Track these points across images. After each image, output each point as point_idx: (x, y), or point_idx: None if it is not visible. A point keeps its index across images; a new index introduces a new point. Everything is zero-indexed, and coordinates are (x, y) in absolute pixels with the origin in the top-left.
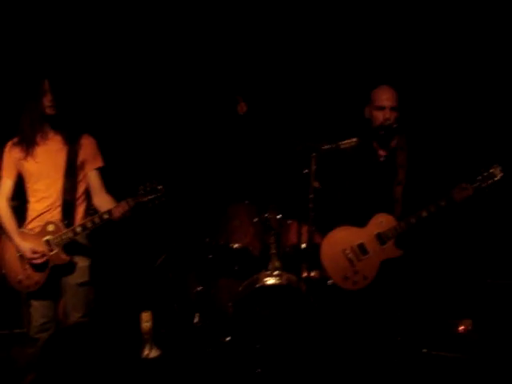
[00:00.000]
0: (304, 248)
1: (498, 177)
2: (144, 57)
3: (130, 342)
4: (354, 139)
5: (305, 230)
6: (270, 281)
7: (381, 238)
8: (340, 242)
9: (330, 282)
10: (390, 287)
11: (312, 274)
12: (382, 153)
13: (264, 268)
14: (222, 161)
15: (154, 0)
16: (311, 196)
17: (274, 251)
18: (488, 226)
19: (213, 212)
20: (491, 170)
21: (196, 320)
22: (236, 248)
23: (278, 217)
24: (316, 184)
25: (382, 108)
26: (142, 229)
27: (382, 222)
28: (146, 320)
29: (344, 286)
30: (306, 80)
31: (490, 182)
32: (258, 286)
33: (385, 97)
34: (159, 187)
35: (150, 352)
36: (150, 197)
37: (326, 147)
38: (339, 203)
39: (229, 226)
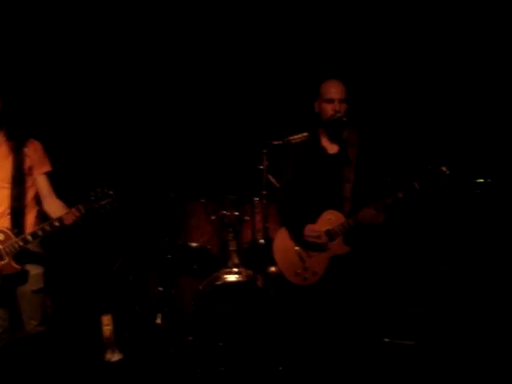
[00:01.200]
0: (261, 244)
1: (446, 174)
2: (84, 59)
3: (92, 346)
4: (305, 134)
5: (262, 225)
6: (230, 278)
7: (330, 235)
8: (291, 238)
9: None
10: (341, 282)
11: (271, 269)
12: (332, 148)
13: (223, 265)
14: (177, 160)
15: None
16: (265, 192)
17: (232, 248)
18: (443, 216)
19: (170, 211)
20: (438, 168)
21: (158, 321)
22: (194, 247)
23: (236, 213)
24: (273, 180)
25: (330, 101)
26: (99, 232)
27: (330, 218)
28: (107, 324)
29: (295, 281)
30: (256, 77)
31: (437, 179)
32: (218, 283)
33: (333, 90)
34: (110, 192)
35: (113, 356)
36: (101, 202)
37: (276, 143)
38: (292, 198)
39: (187, 224)
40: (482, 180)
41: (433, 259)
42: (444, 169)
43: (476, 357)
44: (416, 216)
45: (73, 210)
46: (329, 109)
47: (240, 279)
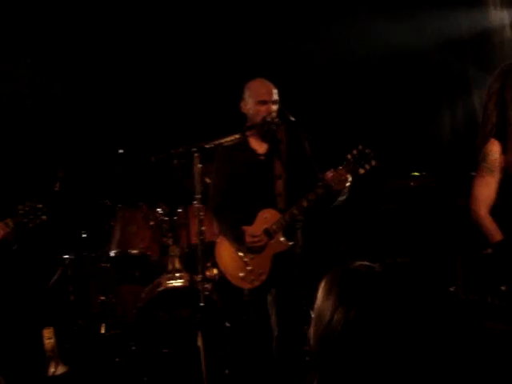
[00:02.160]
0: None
1: (371, 156)
2: None
3: (35, 361)
4: (237, 135)
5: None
6: (173, 283)
7: (268, 233)
8: (231, 244)
9: None
10: (287, 279)
11: (214, 272)
12: (261, 147)
13: (165, 271)
14: (110, 166)
15: None
16: (198, 196)
17: (173, 253)
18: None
19: (106, 219)
20: (364, 151)
21: (102, 331)
22: (134, 254)
23: (174, 218)
24: (208, 180)
25: (264, 102)
26: (35, 244)
27: (266, 217)
28: (48, 337)
29: (242, 285)
30: (178, 84)
31: (362, 162)
32: (160, 289)
33: (265, 91)
34: (39, 206)
35: (56, 369)
36: (30, 216)
37: (208, 145)
38: (226, 201)
39: (125, 231)
40: (417, 173)
41: (376, 252)
42: (368, 151)
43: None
44: (357, 210)
45: (0, 224)
46: (262, 110)
47: (183, 284)
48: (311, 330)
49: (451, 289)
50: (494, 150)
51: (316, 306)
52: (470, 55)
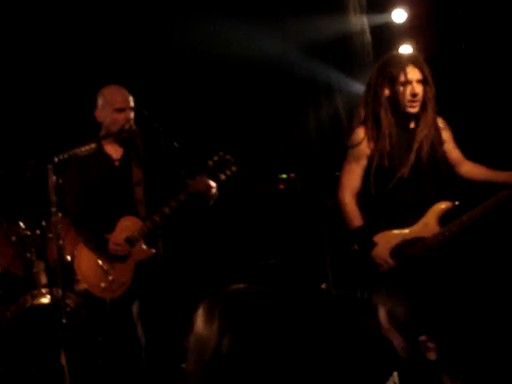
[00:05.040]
0: (67, 261)
1: (231, 162)
2: None
3: None
4: (93, 145)
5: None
6: (40, 300)
7: (130, 241)
8: (92, 252)
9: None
10: (150, 287)
11: (84, 285)
12: (117, 153)
13: (31, 288)
14: None
15: None
16: (54, 209)
17: (37, 269)
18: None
19: None
20: (224, 157)
21: None
22: None
23: (37, 232)
24: None
25: (121, 110)
26: None
27: (127, 225)
28: None
29: (104, 295)
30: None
31: (224, 168)
32: (26, 307)
33: (121, 98)
34: None
35: None
36: None
37: (61, 157)
38: (85, 212)
39: None
40: (285, 175)
41: (248, 255)
42: (229, 156)
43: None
44: (228, 214)
45: None
46: (120, 119)
47: (49, 300)
48: (190, 362)
49: (323, 285)
50: (360, 137)
51: (194, 336)
52: (332, 59)
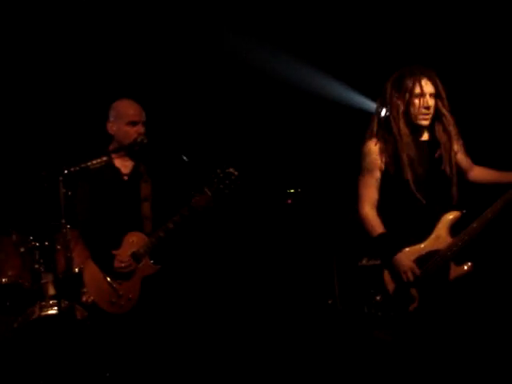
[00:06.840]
0: (76, 273)
1: (235, 175)
2: None
3: None
4: (104, 158)
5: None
6: (46, 311)
7: (136, 257)
8: (99, 268)
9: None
10: (157, 303)
11: (89, 298)
12: (126, 167)
13: (39, 299)
14: None
15: None
16: (63, 221)
17: (46, 280)
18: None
19: None
20: (227, 170)
21: None
22: (4, 282)
23: (46, 243)
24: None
25: (133, 123)
26: None
27: (133, 241)
28: None
29: (112, 310)
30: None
31: (226, 182)
32: (33, 318)
33: (133, 112)
34: None
35: None
36: None
37: (74, 169)
38: (93, 226)
39: None
40: (292, 190)
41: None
42: (231, 170)
43: None
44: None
45: None
46: (132, 132)
47: (57, 311)
48: None
49: (329, 301)
50: (372, 149)
51: None
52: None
